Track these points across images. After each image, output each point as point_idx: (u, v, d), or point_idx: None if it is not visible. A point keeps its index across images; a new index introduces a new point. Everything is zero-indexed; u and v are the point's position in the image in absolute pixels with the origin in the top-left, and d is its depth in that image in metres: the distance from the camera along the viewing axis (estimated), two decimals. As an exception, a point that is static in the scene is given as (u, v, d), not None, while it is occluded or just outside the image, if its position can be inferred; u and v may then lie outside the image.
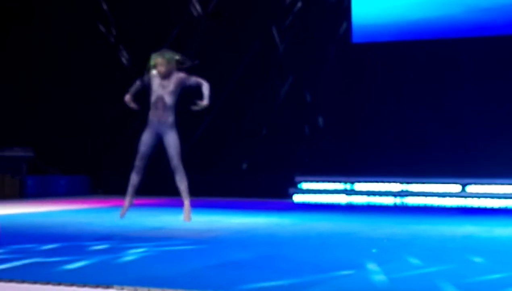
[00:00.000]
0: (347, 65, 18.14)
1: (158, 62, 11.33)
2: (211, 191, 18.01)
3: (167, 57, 11.31)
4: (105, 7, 19.92)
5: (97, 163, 20.05)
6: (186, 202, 11.48)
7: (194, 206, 12.42)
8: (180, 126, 11.55)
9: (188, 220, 11.51)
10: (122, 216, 11.93)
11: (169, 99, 11.39)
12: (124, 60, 19.56)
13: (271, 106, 18.65)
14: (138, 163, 11.61)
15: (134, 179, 11.69)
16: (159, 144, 11.52)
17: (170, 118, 11.42)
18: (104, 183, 20.01)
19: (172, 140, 11.33)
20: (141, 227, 11.50)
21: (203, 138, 18.68)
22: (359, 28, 17.81)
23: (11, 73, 20.81)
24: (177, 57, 11.32)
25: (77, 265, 7.48)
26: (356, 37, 17.91)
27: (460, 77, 17.11)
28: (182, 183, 11.38)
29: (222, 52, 18.88)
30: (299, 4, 18.35)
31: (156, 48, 11.74)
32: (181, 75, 11.45)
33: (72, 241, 9.42)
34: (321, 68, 18.33)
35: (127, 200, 11.90)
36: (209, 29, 18.93)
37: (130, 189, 11.78)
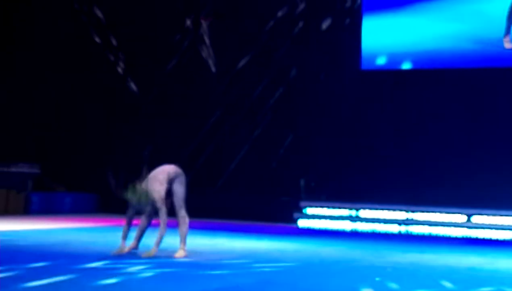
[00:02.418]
0: (355, 92, 18.13)
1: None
2: (216, 213, 17.95)
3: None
4: (100, 14, 19.96)
5: (104, 181, 19.99)
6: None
7: (200, 227, 12.37)
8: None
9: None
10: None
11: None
12: (133, 87, 19.62)
13: (275, 130, 18.63)
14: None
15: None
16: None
17: None
18: (110, 202, 19.97)
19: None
20: (144, 248, 11.46)
21: (208, 161, 18.68)
22: (368, 56, 17.82)
23: (19, 90, 20.85)
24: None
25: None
26: (365, 64, 17.93)
27: (468, 108, 17.08)
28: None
29: (231, 83, 18.94)
30: (310, 28, 18.39)
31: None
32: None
33: (70, 259, 9.40)
34: (329, 94, 18.32)
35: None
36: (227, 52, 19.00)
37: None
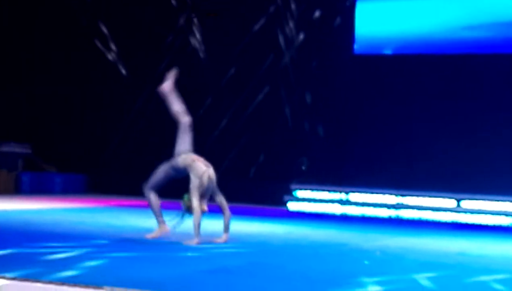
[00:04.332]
0: (348, 77, 18.15)
1: None
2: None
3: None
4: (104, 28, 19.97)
5: (94, 162, 20.03)
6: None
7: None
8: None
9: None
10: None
11: None
12: (122, 70, 19.56)
13: (271, 115, 18.65)
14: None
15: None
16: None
17: None
18: (100, 182, 19.98)
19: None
20: (135, 229, 11.49)
21: (200, 146, 18.68)
22: (361, 40, 17.83)
23: (12, 71, 20.79)
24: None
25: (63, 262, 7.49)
26: (359, 48, 17.93)
27: (458, 93, 17.12)
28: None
29: (224, 64, 18.91)
30: (304, 16, 18.36)
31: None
32: None
33: (61, 241, 9.41)
34: (322, 79, 18.33)
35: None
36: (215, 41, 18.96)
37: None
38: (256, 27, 18.68)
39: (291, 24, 18.37)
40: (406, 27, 17.50)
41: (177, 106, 10.40)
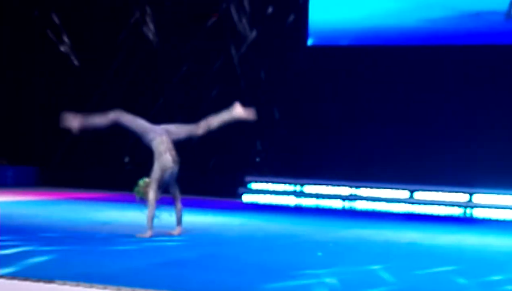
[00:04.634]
0: (303, 69, 18.16)
1: None
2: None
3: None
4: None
5: (45, 154, 19.80)
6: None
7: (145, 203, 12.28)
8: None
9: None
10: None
11: None
12: (75, 61, 19.37)
13: (223, 106, 18.58)
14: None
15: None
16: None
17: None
18: (52, 175, 19.77)
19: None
20: (88, 222, 11.41)
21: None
22: (315, 32, 17.86)
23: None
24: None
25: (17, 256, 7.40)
26: (312, 40, 17.96)
27: (411, 83, 17.22)
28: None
29: (172, 55, 18.83)
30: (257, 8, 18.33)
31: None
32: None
33: (12, 234, 9.31)
34: (275, 70, 18.33)
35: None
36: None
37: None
38: (208, 23, 18.64)
39: (244, 20, 18.36)
40: (362, 18, 17.56)
41: (140, 127, 10.23)
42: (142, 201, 10.11)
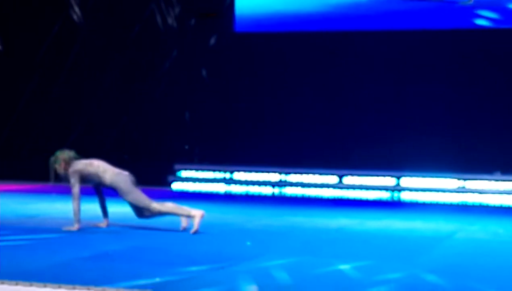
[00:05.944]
0: (229, 54, 18.13)
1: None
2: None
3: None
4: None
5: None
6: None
7: (67, 193, 12.11)
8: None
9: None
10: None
11: None
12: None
13: (151, 93, 18.48)
14: None
15: None
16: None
17: None
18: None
19: None
20: (14, 215, 11.21)
21: (86, 125, 18.37)
22: (242, 18, 17.83)
23: None
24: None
25: None
26: (239, 26, 17.93)
27: (339, 68, 17.35)
28: None
29: (99, 46, 18.61)
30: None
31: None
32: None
33: None
34: (202, 56, 18.27)
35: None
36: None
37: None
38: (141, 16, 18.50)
39: (174, 11, 18.28)
40: (286, 4, 17.59)
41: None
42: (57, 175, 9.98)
